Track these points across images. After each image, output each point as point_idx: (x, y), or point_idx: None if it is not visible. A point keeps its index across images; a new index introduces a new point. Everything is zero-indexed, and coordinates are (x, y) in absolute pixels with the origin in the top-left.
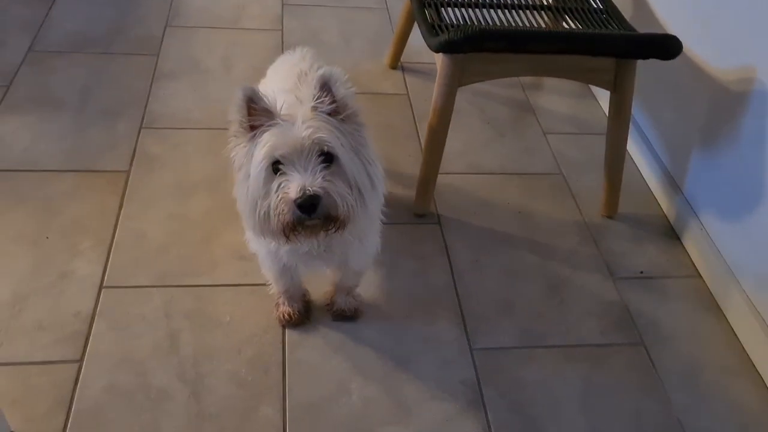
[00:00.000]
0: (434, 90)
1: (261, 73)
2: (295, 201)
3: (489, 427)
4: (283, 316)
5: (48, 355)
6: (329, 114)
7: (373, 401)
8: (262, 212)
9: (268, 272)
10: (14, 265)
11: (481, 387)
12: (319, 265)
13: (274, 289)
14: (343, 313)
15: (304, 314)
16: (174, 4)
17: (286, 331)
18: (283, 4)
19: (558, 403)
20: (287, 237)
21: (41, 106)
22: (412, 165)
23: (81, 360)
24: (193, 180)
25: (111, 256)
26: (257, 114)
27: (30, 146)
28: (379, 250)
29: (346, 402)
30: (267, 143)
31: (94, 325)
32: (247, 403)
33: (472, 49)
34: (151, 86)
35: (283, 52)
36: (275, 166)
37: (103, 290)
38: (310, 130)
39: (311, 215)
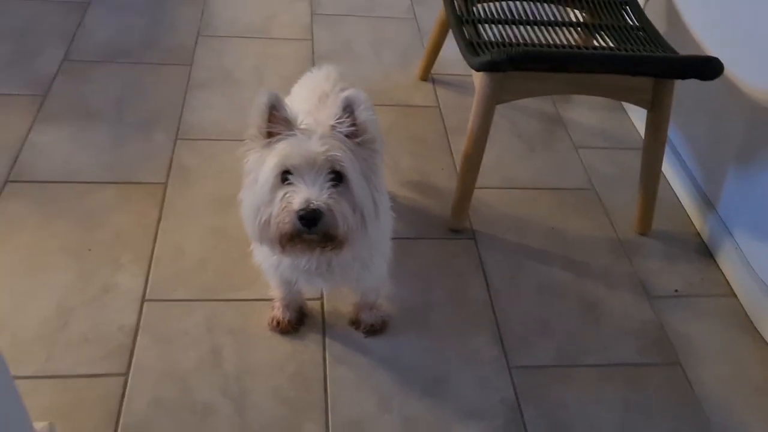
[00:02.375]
0: (473, 107)
1: (292, 82)
2: (297, 212)
3: None
4: (273, 321)
5: (94, 368)
6: (347, 135)
7: (414, 419)
8: (263, 219)
9: (269, 279)
10: (59, 278)
11: (521, 405)
12: (319, 283)
13: (274, 293)
14: (372, 327)
15: (294, 324)
16: (205, 14)
17: (326, 347)
18: (312, 14)
19: (597, 423)
20: (283, 247)
21: (78, 117)
22: (445, 178)
23: (126, 373)
24: (229, 192)
25: (152, 269)
26: (277, 122)
27: (68, 158)
28: (385, 275)
29: (388, 420)
30: (281, 152)
31: (138, 339)
32: (291, 420)
33: (513, 68)
34: (185, 96)
35: (313, 61)
36: (284, 176)
37: (145, 304)
38: (326, 147)
39: (311, 229)
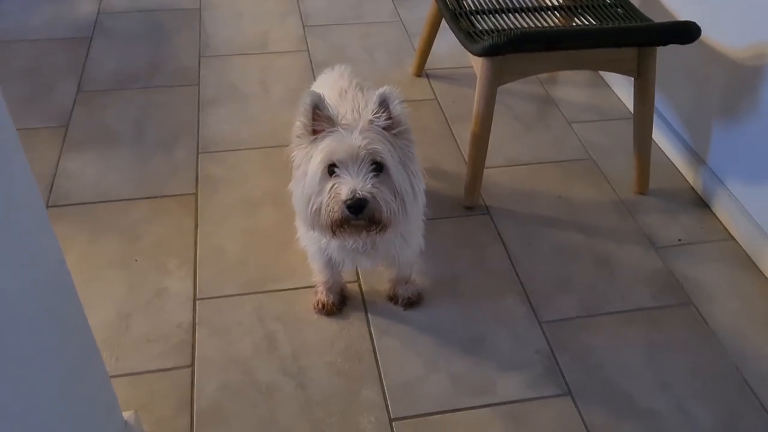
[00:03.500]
0: (476, 90)
1: (296, 91)
2: (345, 201)
3: (568, 388)
4: (319, 304)
5: (162, 363)
6: (384, 128)
7: (461, 376)
8: (315, 207)
9: (314, 264)
10: (112, 288)
11: (555, 354)
12: (364, 261)
13: (317, 278)
14: (409, 300)
15: (338, 305)
16: (203, 36)
17: (370, 322)
18: (304, 26)
19: (625, 362)
20: (333, 232)
21: (101, 142)
22: (453, 163)
23: (192, 365)
24: (257, 195)
25: (197, 271)
26: (320, 120)
27: (99, 180)
28: (423, 247)
29: (437, 379)
30: (326, 147)
31: (196, 334)
32: (349, 389)
33: (512, 50)
34: (198, 114)
35: (312, 70)
36: (330, 169)
37: (197, 302)
38: (366, 141)
39: (357, 216)
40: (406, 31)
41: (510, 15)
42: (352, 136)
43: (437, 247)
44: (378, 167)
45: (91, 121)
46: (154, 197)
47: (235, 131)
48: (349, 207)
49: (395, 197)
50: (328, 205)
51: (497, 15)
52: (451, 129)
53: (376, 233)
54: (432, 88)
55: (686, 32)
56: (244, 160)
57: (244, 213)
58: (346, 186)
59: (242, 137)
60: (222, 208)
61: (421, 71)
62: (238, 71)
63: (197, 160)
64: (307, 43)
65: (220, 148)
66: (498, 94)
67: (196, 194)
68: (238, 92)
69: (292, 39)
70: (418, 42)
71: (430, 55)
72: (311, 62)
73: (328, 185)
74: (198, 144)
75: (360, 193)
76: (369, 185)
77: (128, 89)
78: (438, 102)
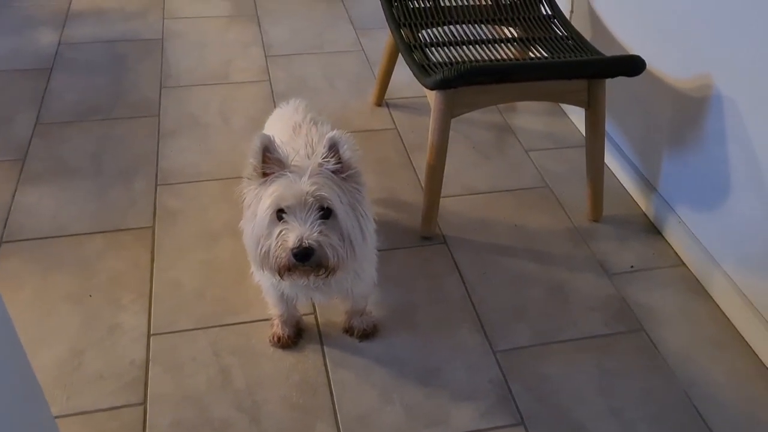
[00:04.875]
0: (430, 122)
1: (257, 122)
2: (291, 249)
3: (521, 417)
4: (274, 337)
5: (113, 401)
6: (334, 172)
7: (415, 407)
8: (263, 250)
9: (268, 298)
10: (66, 324)
11: (508, 383)
12: (318, 296)
13: (272, 311)
14: (365, 332)
15: (293, 338)
16: (164, 67)
17: (326, 355)
18: (266, 56)
19: (578, 390)
20: (282, 276)
21: (59, 175)
22: (411, 192)
23: (144, 402)
24: (215, 227)
25: (153, 305)
26: (270, 162)
27: (57, 213)
28: (376, 280)
29: (391, 410)
30: (275, 193)
31: (150, 370)
32: (303, 423)
33: (463, 83)
34: (158, 145)
35: (273, 100)
36: (279, 214)
37: (151, 338)
38: (315, 187)
39: (305, 263)
40: (368, 61)
41: (465, 47)
42: (301, 182)
43: (394, 277)
44: (326, 212)
45: (49, 154)
46: (111, 231)
47: (195, 163)
48: (295, 255)
49: (343, 241)
50: (276, 251)
51: (452, 47)
52: (410, 158)
53: (325, 277)
54: (392, 118)
55: (632, 66)
56: (203, 192)
57: (202, 245)
58: (293, 234)
59: (202, 169)
60: (180, 240)
61: (381, 101)
62: (199, 102)
63: (156, 193)
64: (269, 73)
65: (179, 180)
66: (456, 122)
67: (153, 227)
68: (199, 123)
69: (254, 69)
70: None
71: (390, 85)
72: (273, 92)
73: (276, 230)
74: (157, 176)
75: (306, 242)
76: (316, 233)
77: (88, 121)
78: (398, 131)
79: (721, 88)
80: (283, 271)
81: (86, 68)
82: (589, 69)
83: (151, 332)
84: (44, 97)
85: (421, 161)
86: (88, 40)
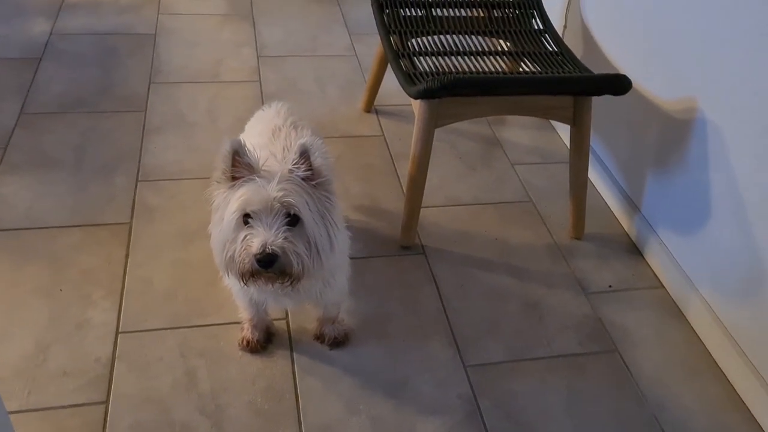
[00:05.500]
0: (414, 132)
1: (244, 122)
2: (255, 255)
3: None
4: (243, 341)
5: (75, 398)
6: (304, 179)
7: (380, 419)
8: (228, 254)
9: (238, 301)
10: (34, 317)
11: (477, 399)
12: (286, 301)
13: (243, 315)
14: (336, 340)
15: (263, 342)
16: (155, 63)
17: (294, 361)
18: (258, 57)
19: (546, 409)
20: (245, 281)
21: (39, 166)
22: (393, 200)
23: (107, 401)
24: (192, 227)
25: (123, 303)
26: (240, 166)
27: (33, 205)
28: (346, 289)
29: (357, 421)
30: (242, 197)
31: (115, 369)
32: (267, 429)
33: (447, 94)
34: (142, 141)
35: (262, 101)
36: (245, 219)
37: (119, 335)
38: (282, 193)
39: (268, 269)
40: (360, 66)
41: (454, 58)
42: (269, 187)
43: (369, 286)
44: (293, 219)
45: (31, 145)
46: (87, 225)
47: (178, 160)
48: (258, 261)
49: (309, 250)
50: (240, 255)
51: (441, 57)
52: (395, 166)
53: (289, 285)
54: (380, 125)
55: (618, 85)
56: (184, 190)
57: (178, 245)
58: (258, 239)
59: (185, 167)
60: (156, 238)
61: (370, 107)
62: (187, 99)
63: (136, 189)
64: (259, 73)
65: (160, 177)
66: (444, 132)
67: (130, 223)
68: (185, 121)
69: (245, 69)
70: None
71: (380, 92)
72: (262, 93)
73: (241, 235)
74: (138, 172)
75: (270, 248)
76: (280, 240)
77: (73, 113)
78: (384, 138)
79: (706, 113)
80: (247, 276)
81: (76, 60)
82: (574, 85)
83: (120, 330)
84: (31, 87)
85: (406, 170)
86: (81, 31)
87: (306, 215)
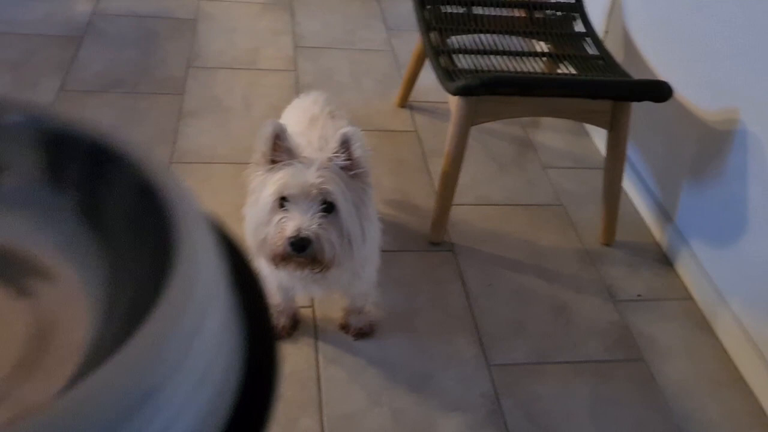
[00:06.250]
0: (449, 129)
1: (278, 111)
2: (288, 238)
3: None
4: None
5: None
6: (343, 168)
7: (402, 412)
8: (261, 236)
9: (267, 286)
10: None
11: (499, 399)
12: (315, 289)
13: (270, 301)
14: (361, 331)
15: (288, 329)
16: (194, 47)
17: (318, 350)
18: (295, 47)
19: (569, 413)
20: (276, 264)
21: None
22: (424, 196)
23: None
24: (222, 211)
25: None
26: (280, 150)
27: None
28: (374, 281)
29: (378, 413)
30: (280, 180)
31: None
32: (288, 416)
33: (486, 92)
34: (177, 124)
35: (297, 91)
36: (281, 202)
37: None
38: (320, 180)
39: (300, 254)
40: (397, 62)
41: (493, 57)
42: (307, 172)
43: (397, 279)
44: (329, 207)
45: None
46: None
47: (212, 144)
48: (292, 244)
49: (342, 239)
50: (273, 238)
51: (480, 55)
52: (426, 163)
53: (318, 272)
54: (413, 120)
55: (658, 91)
56: (216, 174)
57: None
58: (293, 223)
59: (217, 151)
60: None
61: (404, 102)
62: (224, 85)
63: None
64: (296, 63)
65: (193, 160)
66: (477, 132)
67: None
68: (221, 106)
69: (282, 58)
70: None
71: (415, 88)
72: (297, 83)
73: (276, 218)
74: (173, 154)
75: (304, 233)
76: (315, 225)
77: (112, 92)
78: (417, 134)
79: (748, 125)
80: (278, 259)
81: (116, 41)
82: (614, 90)
83: None
84: (72, 64)
85: (438, 166)
86: (122, 12)
87: (342, 204)
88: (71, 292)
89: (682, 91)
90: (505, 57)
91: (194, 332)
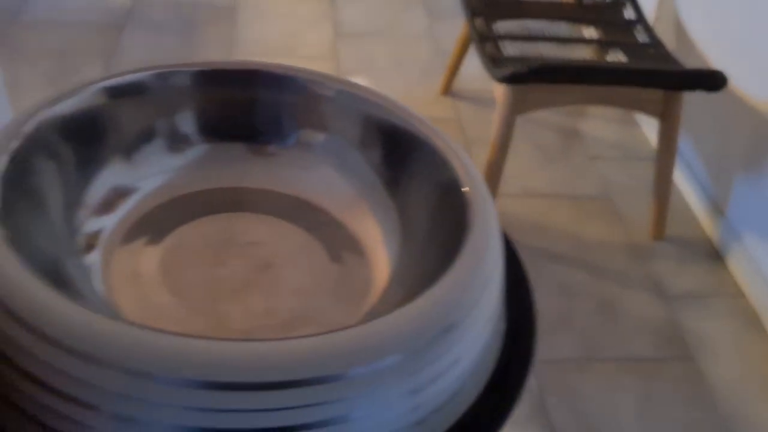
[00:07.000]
0: (495, 117)
1: None
2: None
3: (553, 430)
4: None
5: None
6: None
7: None
8: None
9: None
10: None
11: (543, 395)
12: None
13: None
14: None
15: None
16: (234, 34)
17: None
18: (335, 34)
19: (614, 411)
20: None
21: None
22: None
23: None
24: None
25: None
26: None
27: None
28: None
29: None
30: None
31: None
32: None
33: (534, 80)
34: None
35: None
36: None
37: None
38: None
39: None
40: (439, 49)
41: (540, 44)
42: None
43: None
44: None
45: None
46: None
47: None
48: None
49: None
50: None
51: (527, 42)
52: (469, 152)
53: None
54: (456, 108)
55: (712, 81)
56: None
57: None
58: None
59: None
60: None
61: (447, 90)
62: None
63: None
64: (336, 50)
65: None
66: (522, 122)
67: None
68: None
69: (322, 45)
70: (448, 60)
71: (459, 75)
72: (338, 70)
73: None
74: None
75: None
76: None
77: None
78: (460, 123)
79: None
80: None
81: (158, 28)
82: (666, 79)
83: None
84: (115, 51)
85: (480, 155)
86: (163, 1)
87: None
88: (377, 260)
89: (737, 80)
90: (552, 44)
91: (487, 281)
